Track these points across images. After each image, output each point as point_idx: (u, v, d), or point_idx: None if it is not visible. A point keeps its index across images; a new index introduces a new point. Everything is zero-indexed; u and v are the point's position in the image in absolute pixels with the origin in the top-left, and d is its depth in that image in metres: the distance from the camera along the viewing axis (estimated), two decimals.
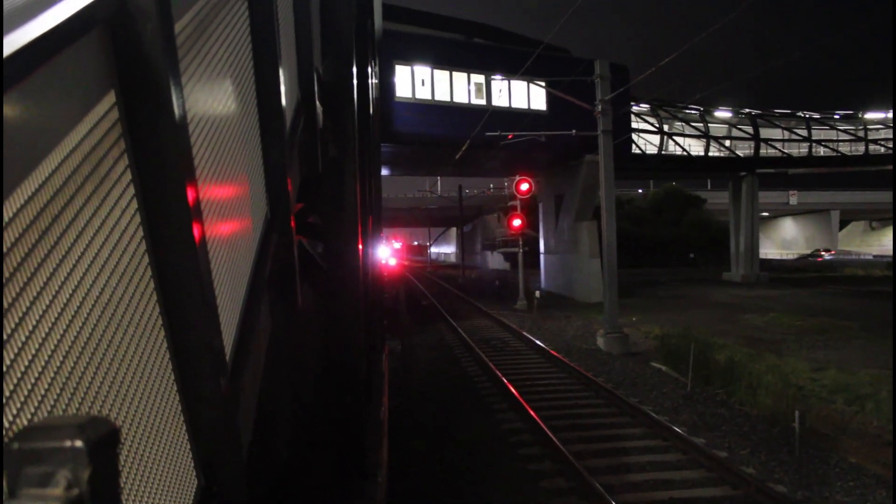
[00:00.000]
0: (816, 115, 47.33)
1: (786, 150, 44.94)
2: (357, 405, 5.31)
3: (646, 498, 8.48)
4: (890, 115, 46.73)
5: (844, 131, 47.11)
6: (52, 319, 1.07)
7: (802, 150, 45.75)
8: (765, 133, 44.45)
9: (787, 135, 45.31)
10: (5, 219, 0.93)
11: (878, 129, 47.73)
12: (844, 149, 46.76)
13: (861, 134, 47.33)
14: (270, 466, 3.31)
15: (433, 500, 8.63)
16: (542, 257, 40.69)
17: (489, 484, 9.04)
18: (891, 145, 45.53)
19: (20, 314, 0.98)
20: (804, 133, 45.65)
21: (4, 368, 0.93)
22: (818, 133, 46.65)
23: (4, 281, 0.93)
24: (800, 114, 46.98)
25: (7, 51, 0.91)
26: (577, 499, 8.51)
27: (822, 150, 46.27)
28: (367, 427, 5.99)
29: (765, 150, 44.39)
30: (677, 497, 8.45)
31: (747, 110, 45.37)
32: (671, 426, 10.93)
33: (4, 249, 0.93)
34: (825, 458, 9.85)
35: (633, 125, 37.26)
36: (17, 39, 0.94)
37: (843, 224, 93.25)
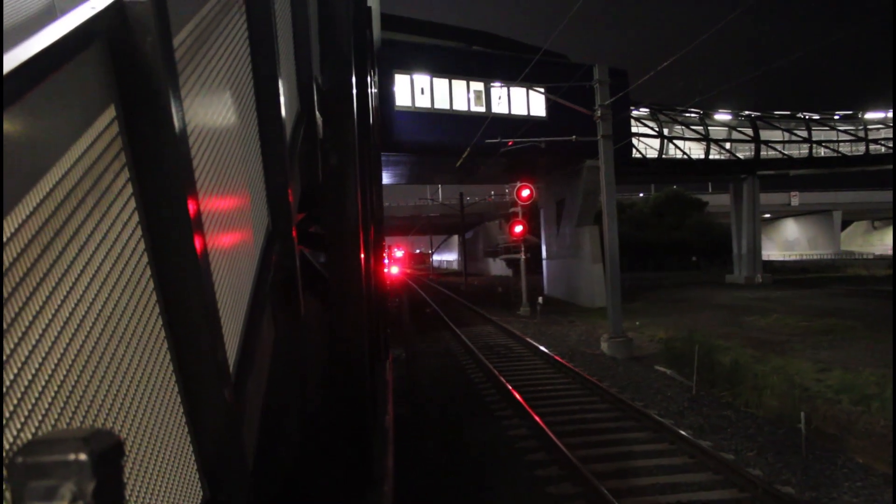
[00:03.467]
0: (816, 116, 47.34)
1: (786, 152, 44.95)
2: (362, 413, 5.30)
3: (653, 501, 8.46)
4: (890, 114, 46.75)
5: (845, 131, 47.11)
6: (56, 332, 1.08)
7: (803, 151, 45.76)
8: (765, 135, 44.46)
9: (787, 136, 45.34)
10: (8, 233, 0.93)
11: (878, 129, 47.73)
12: (845, 149, 46.76)
13: (861, 134, 47.33)
14: (275, 476, 3.30)
15: None
16: (544, 263, 40.73)
17: (496, 491, 9.02)
18: (891, 145, 45.53)
19: (23, 327, 0.98)
20: (804, 134, 45.68)
21: (8, 382, 0.93)
22: (818, 134, 46.67)
23: (7, 295, 0.94)
24: (799, 115, 46.98)
25: (8, 67, 0.92)
26: None
27: (822, 151, 46.27)
28: (372, 435, 5.99)
29: (765, 152, 44.41)
30: (684, 500, 8.43)
31: (747, 112, 45.37)
32: (677, 429, 10.90)
33: (7, 263, 0.94)
34: (832, 458, 9.82)
35: (633, 129, 37.27)
36: (18, 56, 0.95)
37: (844, 224, 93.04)
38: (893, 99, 46.57)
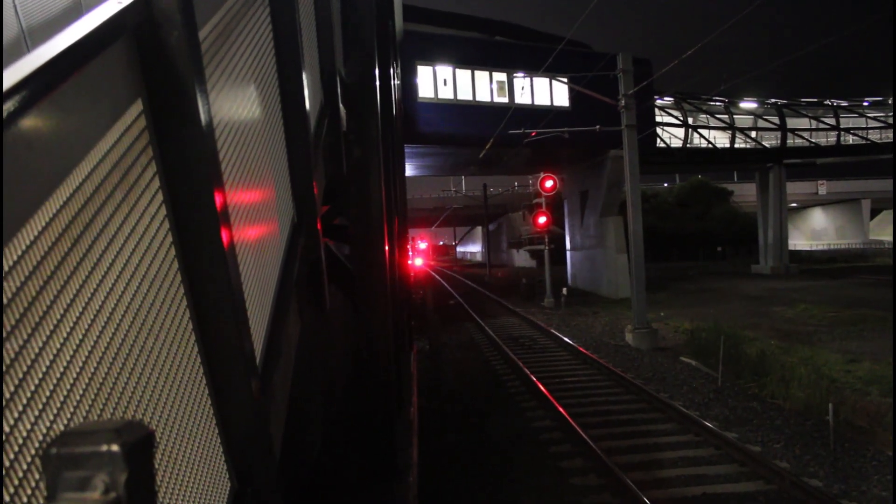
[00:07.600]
0: (844, 103, 46.55)
1: (813, 140, 44.28)
2: (386, 405, 5.32)
3: (678, 494, 8.41)
4: None
5: (874, 118, 46.31)
6: (86, 325, 1.09)
7: (830, 138, 45.03)
8: (791, 123, 43.83)
9: (814, 124, 44.67)
10: (39, 227, 0.95)
11: None
12: (874, 136, 45.94)
13: (891, 120, 46.45)
14: (302, 467, 3.33)
15: (465, 499, 8.63)
16: (568, 254, 40.53)
17: (521, 482, 9.02)
18: None
19: (55, 320, 0.99)
20: (832, 121, 44.95)
21: (41, 374, 0.94)
22: (847, 121, 45.90)
23: (39, 288, 0.95)
24: (827, 102, 46.24)
25: (37, 63, 0.92)
26: (609, 496, 8.46)
27: (850, 139, 45.51)
28: (396, 427, 6.01)
29: (792, 141, 43.76)
30: (710, 492, 8.37)
31: (773, 100, 44.76)
32: (702, 421, 10.83)
33: (39, 257, 0.95)
34: (861, 451, 9.69)
35: (658, 119, 36.97)
36: (46, 52, 0.96)
37: (874, 213, 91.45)
38: (893, 95, 45.72)
